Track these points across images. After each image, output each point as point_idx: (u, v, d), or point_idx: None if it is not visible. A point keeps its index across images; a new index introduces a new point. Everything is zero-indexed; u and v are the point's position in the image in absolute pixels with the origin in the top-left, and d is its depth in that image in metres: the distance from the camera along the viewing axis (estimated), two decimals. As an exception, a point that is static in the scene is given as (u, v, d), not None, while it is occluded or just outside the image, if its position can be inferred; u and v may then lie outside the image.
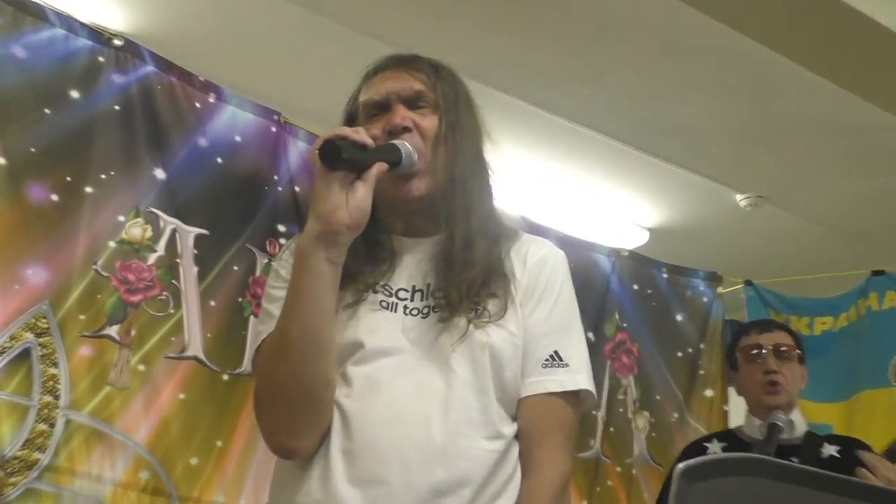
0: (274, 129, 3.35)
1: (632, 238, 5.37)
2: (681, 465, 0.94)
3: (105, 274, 2.87)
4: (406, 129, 1.73)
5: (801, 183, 5.00)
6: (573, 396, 1.76)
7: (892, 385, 4.45)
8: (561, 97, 4.26)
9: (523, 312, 1.74)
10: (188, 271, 3.06)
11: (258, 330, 1.75)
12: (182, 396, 2.95)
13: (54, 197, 2.80)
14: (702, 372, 4.41)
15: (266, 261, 3.22)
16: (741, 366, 3.20)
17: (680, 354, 4.39)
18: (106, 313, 2.86)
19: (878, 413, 4.21)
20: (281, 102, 3.55)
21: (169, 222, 3.05)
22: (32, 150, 2.77)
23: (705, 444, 3.18)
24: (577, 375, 1.76)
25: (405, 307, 1.72)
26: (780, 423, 2.95)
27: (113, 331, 2.86)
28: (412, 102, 1.77)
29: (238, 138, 3.25)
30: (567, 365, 1.75)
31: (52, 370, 2.72)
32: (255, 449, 3.04)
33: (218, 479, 2.96)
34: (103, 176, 2.91)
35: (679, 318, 4.44)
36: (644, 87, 4.17)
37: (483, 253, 1.73)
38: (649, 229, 5.44)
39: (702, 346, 4.44)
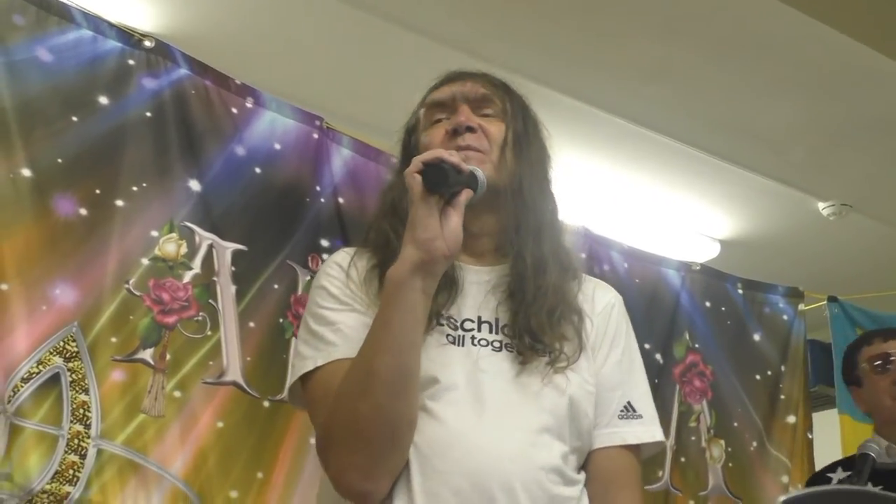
0: (316, 136, 3.36)
1: (703, 251, 5.34)
2: (781, 499, 0.94)
3: (137, 293, 2.89)
4: (470, 129, 1.76)
5: (890, 189, 4.93)
6: (638, 449, 1.81)
7: None
8: (624, 96, 4.24)
9: (595, 360, 1.79)
10: (226, 290, 3.07)
11: (304, 354, 1.75)
12: (220, 425, 2.95)
13: (83, 211, 2.82)
14: (783, 396, 4.36)
15: (308, 278, 3.21)
16: (865, 379, 3.16)
17: (758, 377, 4.34)
18: (139, 335, 2.87)
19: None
20: (324, 107, 3.55)
21: (205, 237, 3.06)
22: (59, 160, 2.79)
23: (829, 474, 3.13)
24: (653, 428, 1.83)
25: (473, 338, 1.73)
26: (871, 453, 2.92)
27: (146, 354, 2.87)
28: (478, 106, 1.80)
29: (278, 146, 3.26)
30: (641, 416, 1.81)
31: (83, 397, 2.73)
32: (298, 481, 3.03)
33: (259, 514, 2.95)
34: (135, 188, 2.93)
35: (756, 337, 4.39)
36: (717, 85, 4.14)
37: (555, 281, 1.76)
38: (722, 241, 5.40)
39: (782, 368, 4.40)
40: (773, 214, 5.16)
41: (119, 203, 2.89)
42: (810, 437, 4.34)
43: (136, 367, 2.85)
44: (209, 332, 3.01)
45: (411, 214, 1.62)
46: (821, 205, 5.08)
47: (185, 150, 3.06)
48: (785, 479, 4.21)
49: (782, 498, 0.93)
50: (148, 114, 2.99)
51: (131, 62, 2.98)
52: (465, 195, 1.64)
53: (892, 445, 3.03)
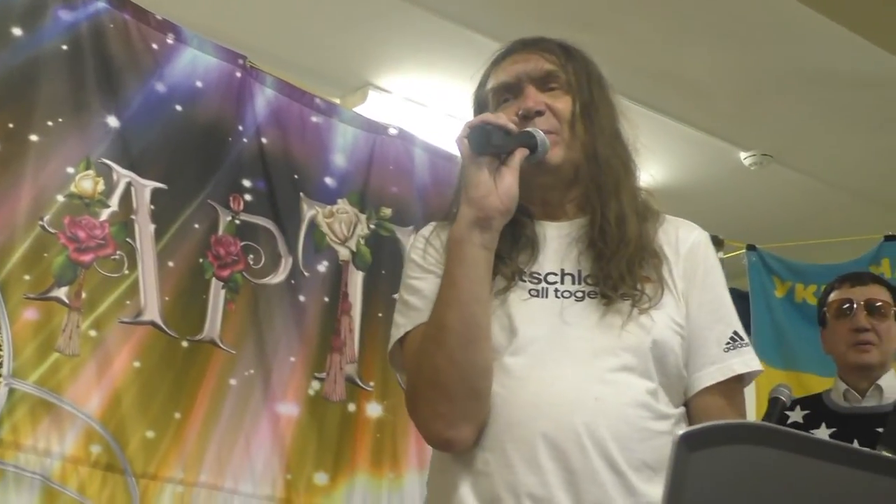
0: (239, 75, 3.30)
1: (627, 199, 5.35)
2: (680, 432, 0.92)
3: (52, 230, 2.82)
4: (539, 113, 1.79)
5: (810, 140, 4.97)
6: (743, 379, 1.82)
7: (905, 359, 4.46)
8: (552, 43, 4.20)
9: (689, 301, 1.80)
10: (144, 229, 3.01)
11: (397, 322, 1.82)
12: (137, 364, 2.91)
13: (-5, 145, 2.74)
14: (699, 344, 4.40)
15: (230, 218, 3.18)
16: (830, 322, 3.18)
17: (676, 324, 4.37)
18: (53, 273, 2.81)
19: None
20: (247, 45, 3.49)
21: (123, 175, 2.99)
22: (-30, 92, 2.71)
23: (787, 412, 3.15)
24: (755, 356, 1.83)
25: (556, 290, 1.76)
26: (781, 398, 2.94)
27: (61, 293, 2.81)
28: (543, 83, 1.83)
29: (199, 84, 3.20)
30: (748, 345, 1.82)
31: (-6, 335, 2.67)
32: (217, 421, 3.02)
33: (176, 454, 2.93)
34: (50, 123, 2.85)
35: (676, 285, 4.42)
36: (642, 33, 4.13)
37: (635, 231, 1.79)
38: (645, 189, 5.42)
39: (700, 315, 4.43)
40: (695, 163, 5.18)
41: (33, 138, 2.82)
42: (725, 382, 4.38)
43: (50, 305, 2.79)
44: (126, 271, 2.96)
45: (464, 176, 1.71)
46: (742, 154, 5.11)
47: (102, 86, 2.98)
48: (700, 422, 4.26)
49: (681, 431, 0.91)
50: (64, 47, 2.91)
51: (47, -8, 2.89)
52: (520, 154, 1.71)
53: (850, 390, 3.07)
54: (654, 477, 1.66)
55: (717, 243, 4.54)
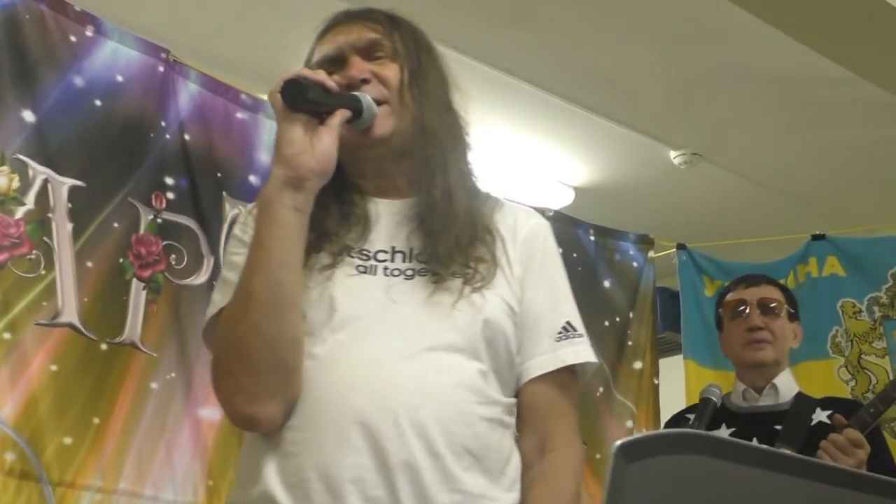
0: (161, 69, 3.23)
1: (557, 197, 5.35)
2: (617, 443, 0.89)
3: (-36, 229, 2.75)
4: (365, 82, 1.73)
5: (739, 140, 5.01)
6: (577, 371, 1.78)
7: (831, 357, 4.51)
8: (479, 39, 4.18)
9: (524, 287, 1.75)
10: (62, 227, 2.94)
11: (213, 300, 1.74)
12: (54, 368, 2.84)
13: None
14: (630, 343, 4.41)
15: (151, 217, 3.12)
16: (725, 324, 3.20)
17: (607, 323, 4.38)
18: (-35, 274, 2.72)
19: (816, 385, 4.21)
20: (170, 38, 3.44)
21: (39, 172, 2.91)
22: None
23: (687, 415, 3.16)
24: (591, 349, 1.78)
25: (385, 268, 1.71)
26: (712, 398, 2.96)
27: (-27, 293, 2.73)
28: (368, 53, 1.77)
29: (120, 78, 3.13)
30: (581, 335, 1.77)
31: None
32: (137, 426, 2.95)
33: (95, 461, 2.86)
34: (-39, 117, 2.77)
35: (607, 283, 4.43)
36: (573, 32, 4.12)
37: (465, 207, 1.74)
38: (576, 188, 5.42)
39: (631, 314, 4.44)
40: (626, 162, 5.19)
41: (-57, 133, 2.74)
42: (656, 382, 4.40)
43: (-39, 306, 2.71)
44: (43, 272, 2.88)
45: (276, 133, 1.64)
46: (672, 153, 5.13)
47: (17, 79, 2.90)
48: (630, 423, 4.27)
49: (619, 442, 0.88)
50: (-24, 39, 2.83)
51: (-43, -18, 2.81)
52: (341, 115, 1.64)
53: (749, 389, 3.09)
54: (475, 465, 1.61)
55: (648, 242, 4.57)
